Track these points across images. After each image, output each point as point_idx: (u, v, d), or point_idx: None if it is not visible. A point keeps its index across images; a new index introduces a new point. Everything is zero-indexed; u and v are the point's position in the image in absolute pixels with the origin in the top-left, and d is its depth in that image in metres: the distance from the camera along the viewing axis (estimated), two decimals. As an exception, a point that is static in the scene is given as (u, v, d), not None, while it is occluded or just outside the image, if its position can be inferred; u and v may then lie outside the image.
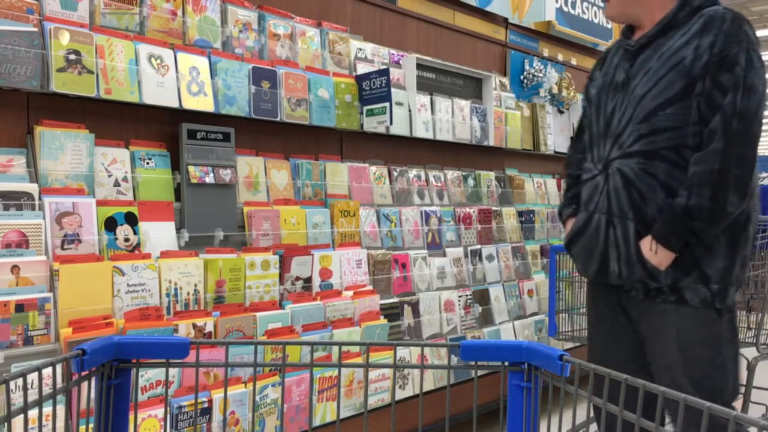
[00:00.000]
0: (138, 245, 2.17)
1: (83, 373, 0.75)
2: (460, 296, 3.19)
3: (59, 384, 0.71)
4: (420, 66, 3.32)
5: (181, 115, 2.38)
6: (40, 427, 0.68)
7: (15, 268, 1.84)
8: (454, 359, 2.84)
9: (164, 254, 2.18)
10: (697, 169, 1.62)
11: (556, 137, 4.35)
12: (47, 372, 1.65)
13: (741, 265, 1.72)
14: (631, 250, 1.71)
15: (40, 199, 1.97)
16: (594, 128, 1.89)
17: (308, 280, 2.57)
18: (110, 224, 2.11)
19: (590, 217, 1.82)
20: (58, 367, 1.11)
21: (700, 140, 1.66)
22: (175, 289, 2.16)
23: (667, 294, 1.71)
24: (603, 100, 1.86)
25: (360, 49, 3.10)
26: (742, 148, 1.59)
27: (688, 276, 1.68)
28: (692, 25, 1.68)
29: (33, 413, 1.67)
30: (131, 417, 0.84)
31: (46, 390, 0.74)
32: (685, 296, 1.69)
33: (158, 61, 2.25)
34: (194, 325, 2.09)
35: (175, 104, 2.27)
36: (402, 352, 2.69)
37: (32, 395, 1.71)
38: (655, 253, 1.67)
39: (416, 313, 2.95)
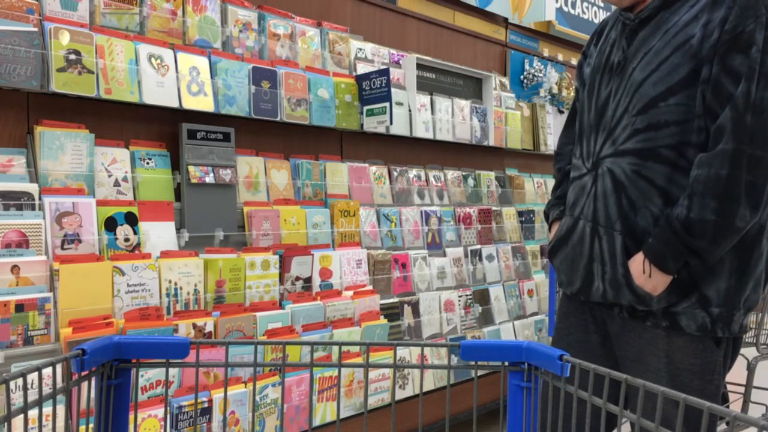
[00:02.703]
0: (138, 245, 2.17)
1: (83, 373, 0.75)
2: (460, 296, 3.19)
3: (59, 384, 0.71)
4: (420, 66, 3.32)
5: (181, 115, 2.38)
6: (40, 427, 0.68)
7: (15, 268, 1.84)
8: (454, 359, 2.84)
9: (164, 254, 2.18)
10: (701, 174, 1.34)
11: (556, 137, 4.34)
12: (47, 372, 1.65)
13: (754, 287, 1.42)
14: (617, 270, 1.45)
15: (40, 199, 1.97)
16: (585, 117, 1.61)
17: (308, 280, 2.57)
18: (110, 224, 2.11)
19: (575, 224, 1.56)
20: (58, 367, 1.11)
21: (705, 137, 1.38)
22: (175, 289, 2.16)
23: (659, 318, 1.44)
24: (596, 84, 1.58)
25: (360, 49, 3.10)
26: (757, 149, 1.30)
27: (684, 300, 1.41)
28: None
29: (33, 413, 1.67)
30: (131, 417, 0.84)
31: (47, 390, 0.74)
32: (680, 322, 1.41)
33: (158, 61, 2.25)
34: (194, 325, 2.09)
35: (175, 104, 2.27)
36: (402, 352, 2.69)
37: (32, 395, 1.71)
38: (648, 277, 1.40)
39: (416, 313, 2.95)
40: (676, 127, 1.40)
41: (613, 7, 1.63)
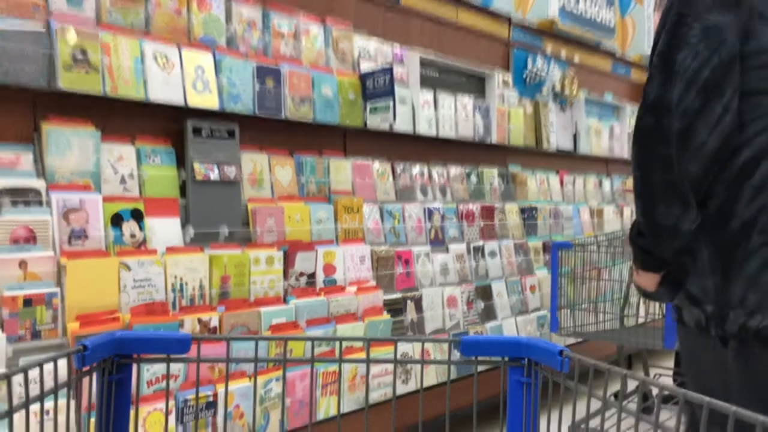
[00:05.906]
0: (144, 241, 2.19)
1: (84, 369, 0.77)
2: (462, 292, 3.21)
3: (62, 379, 0.73)
4: (423, 63, 3.33)
5: (186, 112, 2.40)
6: (42, 422, 0.70)
7: (23, 264, 1.87)
8: (456, 354, 2.85)
9: (170, 250, 2.20)
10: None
11: (559, 134, 4.35)
12: (51, 367, 1.67)
13: (748, 285, 1.27)
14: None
15: (47, 195, 2.00)
16: None
17: (312, 276, 2.59)
18: (116, 220, 2.13)
19: None
20: (63, 363, 1.12)
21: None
22: (181, 285, 2.19)
23: (675, 311, 1.53)
24: None
25: (363, 47, 3.11)
26: (666, 148, 1.22)
27: (679, 294, 1.47)
28: None
29: (37, 409, 1.70)
30: (132, 413, 0.85)
31: (51, 385, 0.76)
32: (683, 316, 1.46)
33: (164, 58, 2.26)
34: (199, 320, 2.11)
35: (180, 102, 2.29)
36: (405, 347, 2.70)
37: (35, 390, 1.74)
38: (638, 275, 1.50)
39: (419, 308, 2.96)
40: None
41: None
